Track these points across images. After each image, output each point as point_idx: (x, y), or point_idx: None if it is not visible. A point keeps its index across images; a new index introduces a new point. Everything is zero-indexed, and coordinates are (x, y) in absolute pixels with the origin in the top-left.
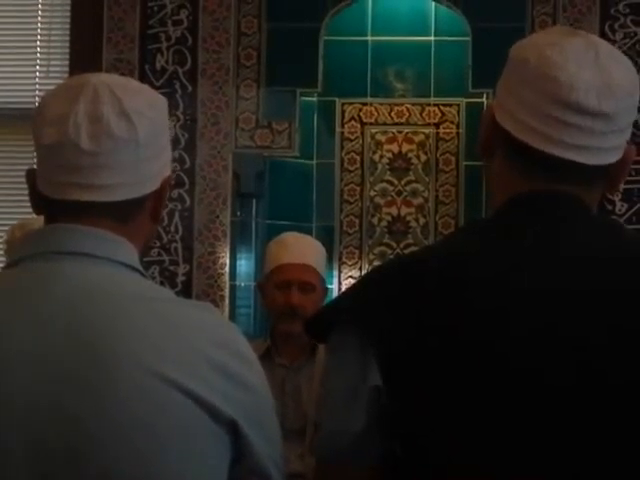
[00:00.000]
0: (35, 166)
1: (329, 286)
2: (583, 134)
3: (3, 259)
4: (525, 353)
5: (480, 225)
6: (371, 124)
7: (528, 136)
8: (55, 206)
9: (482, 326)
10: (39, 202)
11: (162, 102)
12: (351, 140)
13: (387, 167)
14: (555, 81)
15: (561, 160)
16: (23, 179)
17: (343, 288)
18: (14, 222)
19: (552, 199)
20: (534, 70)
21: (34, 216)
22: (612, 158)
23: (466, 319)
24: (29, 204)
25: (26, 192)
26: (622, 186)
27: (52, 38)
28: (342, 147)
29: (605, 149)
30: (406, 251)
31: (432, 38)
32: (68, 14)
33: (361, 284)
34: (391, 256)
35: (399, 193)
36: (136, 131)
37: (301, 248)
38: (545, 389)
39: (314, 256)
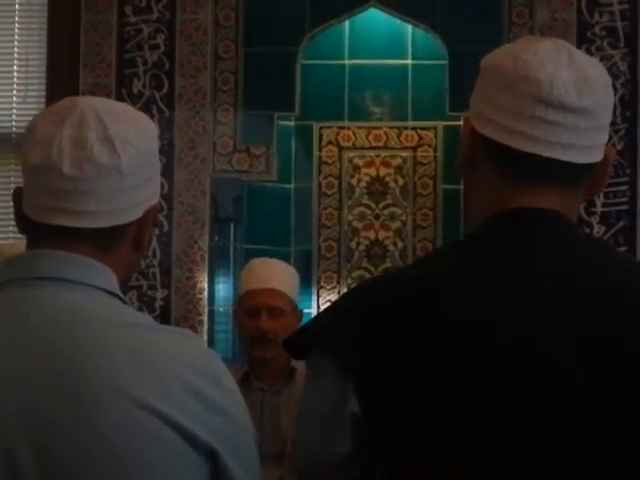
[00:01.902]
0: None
1: (307, 310)
2: (567, 131)
3: None
4: (498, 371)
5: (457, 246)
6: (349, 148)
7: (512, 139)
8: (37, 229)
9: (457, 347)
10: (23, 223)
11: (152, 132)
12: (329, 164)
13: (365, 191)
14: (535, 81)
15: (547, 160)
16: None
17: (320, 311)
18: None
19: (534, 217)
20: (512, 73)
21: (11, 241)
22: (596, 157)
23: (441, 339)
24: (6, 228)
25: (4, 215)
26: (600, 209)
27: (29, 63)
28: (320, 171)
29: (589, 147)
30: None
31: (409, 62)
32: (45, 38)
33: (336, 308)
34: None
35: (377, 217)
36: (119, 159)
37: (268, 273)
38: (516, 405)
39: (282, 280)
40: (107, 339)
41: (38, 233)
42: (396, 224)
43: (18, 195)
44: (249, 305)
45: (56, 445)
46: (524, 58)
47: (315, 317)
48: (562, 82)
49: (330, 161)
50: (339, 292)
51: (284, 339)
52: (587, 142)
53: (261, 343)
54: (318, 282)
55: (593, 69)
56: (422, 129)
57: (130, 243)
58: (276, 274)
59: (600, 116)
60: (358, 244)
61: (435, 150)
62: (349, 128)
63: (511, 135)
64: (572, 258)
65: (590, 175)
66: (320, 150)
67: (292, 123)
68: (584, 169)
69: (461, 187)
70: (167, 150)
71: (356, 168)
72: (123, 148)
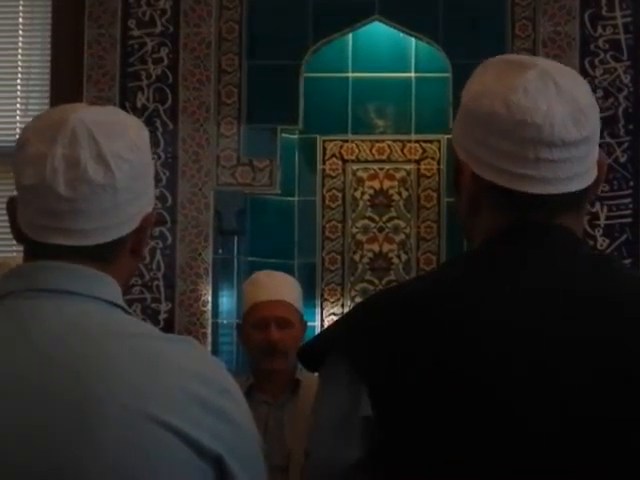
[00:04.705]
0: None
1: (311, 323)
2: (572, 164)
3: None
4: (507, 383)
5: (468, 257)
6: (352, 161)
7: (521, 184)
8: (35, 246)
9: (467, 357)
10: (20, 234)
11: (144, 140)
12: (332, 177)
13: (368, 204)
14: (534, 125)
15: (557, 195)
16: (3, 216)
17: (325, 325)
18: None
19: (542, 232)
20: (507, 120)
21: (15, 254)
22: (594, 175)
23: (452, 350)
24: (10, 241)
25: (7, 228)
26: (604, 222)
27: (32, 76)
28: (323, 184)
29: (588, 169)
30: None
31: (412, 74)
32: (48, 52)
33: (351, 315)
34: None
35: (381, 230)
36: (114, 176)
37: (275, 285)
38: (525, 422)
39: (289, 292)
40: (110, 351)
41: (36, 249)
42: (400, 237)
43: (12, 205)
44: (257, 317)
45: (56, 459)
46: (516, 102)
47: (330, 326)
48: (560, 120)
49: (334, 174)
50: (343, 305)
51: (300, 349)
52: (587, 166)
53: (270, 355)
54: (322, 295)
55: (581, 94)
56: (425, 142)
57: (129, 252)
58: (282, 286)
59: (596, 136)
60: (362, 257)
61: (439, 163)
62: (353, 141)
63: (518, 180)
64: (576, 274)
65: (590, 189)
66: (324, 163)
67: (295, 136)
68: (584, 190)
69: (465, 220)
70: (171, 163)
71: (360, 181)
72: (117, 164)
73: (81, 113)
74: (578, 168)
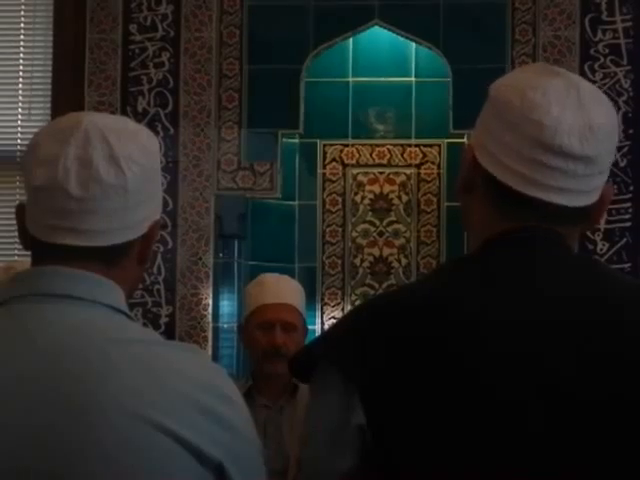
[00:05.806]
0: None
1: (311, 327)
2: (566, 177)
3: None
4: (503, 385)
5: (462, 263)
6: (352, 165)
7: (512, 179)
8: (42, 248)
9: (463, 361)
10: (28, 239)
11: (155, 147)
12: (333, 181)
13: (369, 208)
14: (539, 125)
15: (543, 202)
16: (5, 221)
17: (325, 329)
18: None
19: (534, 236)
20: (517, 113)
21: (17, 258)
22: (592, 199)
23: (445, 350)
24: (11, 245)
25: (9, 233)
26: (603, 226)
27: (34, 81)
28: (324, 188)
29: (587, 191)
30: None
31: (413, 79)
32: (50, 56)
33: (343, 323)
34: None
35: (381, 234)
36: (125, 178)
37: (281, 288)
38: (518, 411)
39: (294, 295)
40: (112, 356)
41: (43, 251)
42: (400, 241)
43: (21, 211)
44: (263, 319)
45: (57, 460)
46: (531, 98)
47: (320, 335)
48: (566, 129)
49: (334, 178)
50: (343, 309)
51: (289, 361)
52: (585, 187)
53: (274, 358)
54: (322, 299)
55: (600, 115)
56: (426, 146)
57: (135, 258)
58: (288, 289)
59: (601, 162)
60: (362, 261)
61: (439, 167)
62: (353, 145)
63: (510, 174)
64: (570, 275)
65: (586, 213)
66: (324, 167)
67: (296, 140)
68: (580, 210)
69: (461, 200)
70: (171, 167)
71: (360, 185)
72: (128, 166)
73: (94, 117)
74: (570, 183)
